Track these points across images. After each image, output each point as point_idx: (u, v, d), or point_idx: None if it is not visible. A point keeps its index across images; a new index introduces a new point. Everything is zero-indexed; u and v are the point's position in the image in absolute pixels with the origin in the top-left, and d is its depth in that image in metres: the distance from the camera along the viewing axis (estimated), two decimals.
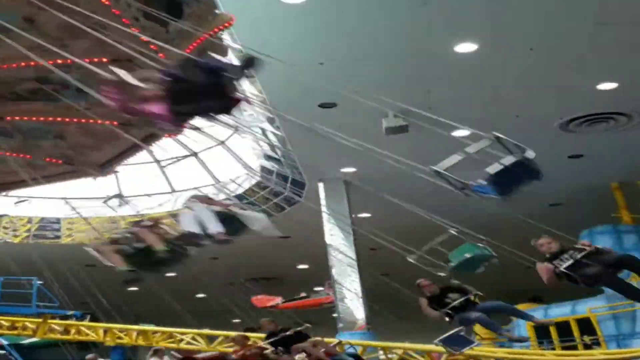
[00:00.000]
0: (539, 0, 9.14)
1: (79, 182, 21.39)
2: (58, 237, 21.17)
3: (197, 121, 4.64)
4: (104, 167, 11.00)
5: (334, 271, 15.39)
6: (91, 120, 9.16)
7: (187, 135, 15.25)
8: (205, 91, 4.11)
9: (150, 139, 10.19)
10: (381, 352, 12.74)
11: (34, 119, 9.51)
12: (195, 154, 20.43)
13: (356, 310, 14.90)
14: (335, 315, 15.67)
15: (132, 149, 10.64)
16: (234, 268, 23.67)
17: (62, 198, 21.30)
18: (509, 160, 5.27)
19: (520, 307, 17.40)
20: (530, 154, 5.31)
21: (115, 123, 8.91)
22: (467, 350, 7.92)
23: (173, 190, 21.75)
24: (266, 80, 10.84)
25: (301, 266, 24.09)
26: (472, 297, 8.00)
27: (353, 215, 15.85)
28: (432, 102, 10.65)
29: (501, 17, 9.51)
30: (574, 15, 9.34)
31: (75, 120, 9.54)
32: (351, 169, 15.38)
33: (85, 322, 17.24)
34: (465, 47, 10.11)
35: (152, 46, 6.06)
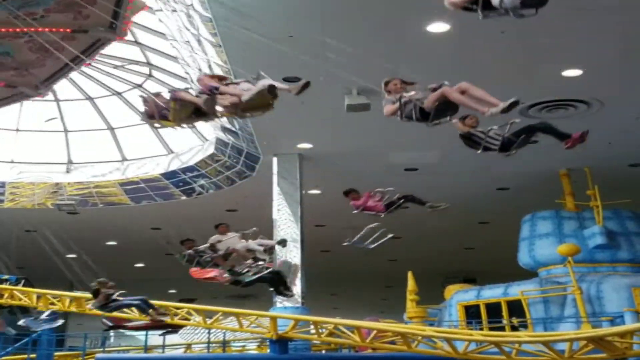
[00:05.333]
0: None
1: (26, 145, 20.87)
2: (1, 200, 20.48)
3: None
4: (43, 85, 10.67)
5: (276, 246, 15.43)
6: (44, 30, 9.06)
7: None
8: None
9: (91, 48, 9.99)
10: (312, 326, 12.93)
11: None
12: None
13: (294, 285, 15.04)
14: (272, 289, 15.78)
15: (75, 63, 10.40)
16: (175, 239, 23.39)
17: (10, 162, 20.64)
18: None
19: (453, 287, 18.02)
20: None
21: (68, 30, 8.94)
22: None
23: (124, 159, 21.33)
24: (232, 49, 10.69)
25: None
26: None
27: (303, 192, 15.92)
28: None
29: None
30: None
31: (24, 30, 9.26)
32: (308, 145, 15.40)
33: (19, 287, 16.94)
34: (438, 27, 10.14)
35: None
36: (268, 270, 9.90)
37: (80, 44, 9.56)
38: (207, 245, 9.81)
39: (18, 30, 9.15)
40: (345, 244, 8.60)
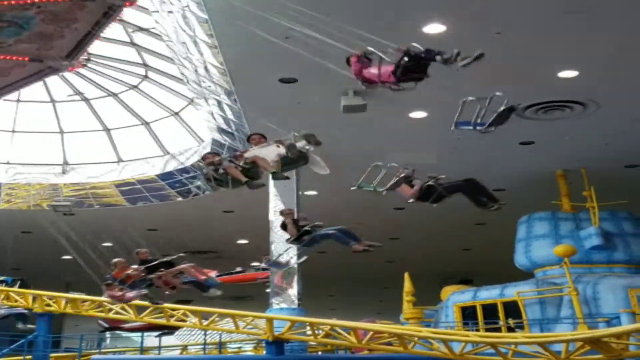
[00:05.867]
0: None
1: (22, 147, 20.85)
2: None
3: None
4: (70, 57, 10.66)
5: (273, 247, 15.43)
6: None
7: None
8: None
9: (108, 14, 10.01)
10: (308, 328, 12.92)
11: None
12: (146, 123, 20.08)
13: (290, 286, 15.03)
14: (268, 290, 15.78)
15: (93, 32, 10.39)
16: (172, 240, 23.38)
17: (6, 163, 20.63)
18: None
19: (450, 288, 18.00)
20: None
21: None
22: None
23: (120, 160, 21.33)
24: (228, 50, 10.68)
25: (241, 241, 24.06)
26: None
27: (300, 193, 15.90)
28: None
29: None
30: (544, 2, 9.48)
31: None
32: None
33: (15, 288, 16.97)
34: (434, 28, 10.13)
35: None
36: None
37: (93, 14, 9.54)
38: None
39: (21, 2, 9.13)
40: (352, 188, 8.26)
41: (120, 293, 10.31)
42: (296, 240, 8.66)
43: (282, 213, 8.69)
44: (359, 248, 8.15)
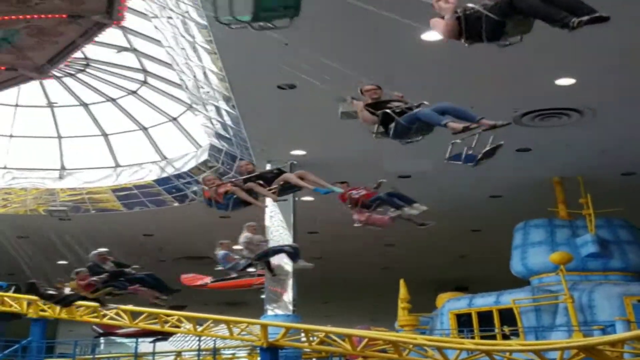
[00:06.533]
0: None
1: (19, 151, 20.83)
2: None
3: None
4: (44, 68, 10.74)
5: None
6: (40, 16, 9.29)
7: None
8: None
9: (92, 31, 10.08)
10: (303, 334, 12.89)
11: None
12: (144, 129, 20.09)
13: (285, 292, 15.00)
14: (263, 296, 15.75)
15: (72, 45, 10.51)
16: (167, 245, 23.35)
17: (3, 168, 20.60)
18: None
19: (445, 295, 18.00)
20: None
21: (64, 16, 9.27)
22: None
23: (117, 165, 21.31)
24: (228, 56, 10.70)
25: (236, 247, 24.02)
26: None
27: (296, 199, 15.90)
28: (393, 89, 10.74)
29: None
30: None
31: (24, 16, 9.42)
32: (301, 152, 15.41)
33: (10, 294, 16.93)
34: (432, 36, 10.08)
35: None
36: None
37: (77, 30, 9.63)
38: None
39: (14, 17, 9.21)
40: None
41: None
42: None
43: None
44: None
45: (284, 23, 5.96)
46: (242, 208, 8.02)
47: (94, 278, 9.83)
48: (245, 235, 11.06)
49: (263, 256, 9.69)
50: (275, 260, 15.15)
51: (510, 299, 14.83)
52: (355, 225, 8.74)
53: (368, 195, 8.65)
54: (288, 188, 7.79)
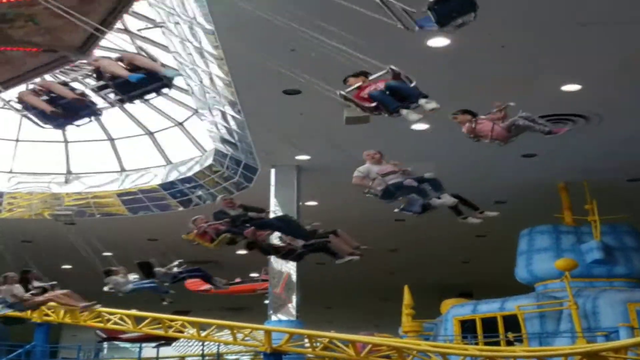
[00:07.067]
0: None
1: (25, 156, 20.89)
2: None
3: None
4: (83, 49, 10.58)
5: (272, 259, 15.41)
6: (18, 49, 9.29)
7: None
8: None
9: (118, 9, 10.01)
10: (306, 340, 12.88)
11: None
12: (150, 133, 20.16)
13: (288, 298, 15.01)
14: (267, 302, 15.76)
15: (104, 26, 10.37)
16: (172, 250, 23.32)
17: (9, 172, 20.68)
18: None
19: (450, 301, 17.96)
20: None
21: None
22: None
23: (122, 170, 21.37)
24: (234, 62, 10.75)
25: (240, 252, 24.05)
26: None
27: (300, 203, 15.93)
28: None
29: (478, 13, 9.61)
30: (550, 15, 9.54)
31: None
32: (305, 157, 15.44)
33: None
34: (438, 42, 10.18)
35: None
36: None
37: (103, 7, 9.56)
38: None
39: None
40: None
41: None
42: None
43: None
44: None
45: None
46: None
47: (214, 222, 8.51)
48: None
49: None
50: (279, 265, 15.19)
51: (514, 305, 14.80)
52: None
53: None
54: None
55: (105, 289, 12.63)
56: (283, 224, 8.37)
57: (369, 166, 7.21)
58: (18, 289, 10.59)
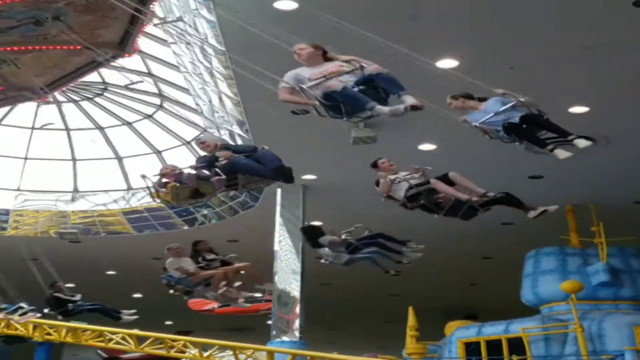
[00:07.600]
0: (524, 21, 9.38)
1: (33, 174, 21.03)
2: (4, 228, 20.58)
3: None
4: (122, 45, 10.40)
5: (276, 278, 15.41)
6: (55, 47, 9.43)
7: None
8: None
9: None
10: None
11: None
12: (158, 152, 20.29)
13: (292, 319, 14.96)
14: (270, 322, 15.69)
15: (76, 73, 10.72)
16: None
17: (16, 190, 20.78)
18: None
19: (454, 324, 17.83)
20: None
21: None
22: None
23: (129, 188, 21.45)
24: (243, 82, 10.88)
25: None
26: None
27: (306, 223, 15.94)
28: (407, 115, 10.84)
29: (485, 35, 9.72)
30: (558, 37, 9.66)
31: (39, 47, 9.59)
32: (312, 177, 15.49)
33: (16, 316, 16.76)
34: (446, 63, 10.25)
35: None
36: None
37: (85, 58, 9.75)
38: None
39: (30, 48, 9.38)
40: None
41: None
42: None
43: None
44: None
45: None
46: None
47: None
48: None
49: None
50: (282, 284, 15.16)
51: (519, 327, 14.72)
52: None
53: None
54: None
55: None
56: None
57: (296, 71, 6.09)
58: (186, 261, 9.63)
